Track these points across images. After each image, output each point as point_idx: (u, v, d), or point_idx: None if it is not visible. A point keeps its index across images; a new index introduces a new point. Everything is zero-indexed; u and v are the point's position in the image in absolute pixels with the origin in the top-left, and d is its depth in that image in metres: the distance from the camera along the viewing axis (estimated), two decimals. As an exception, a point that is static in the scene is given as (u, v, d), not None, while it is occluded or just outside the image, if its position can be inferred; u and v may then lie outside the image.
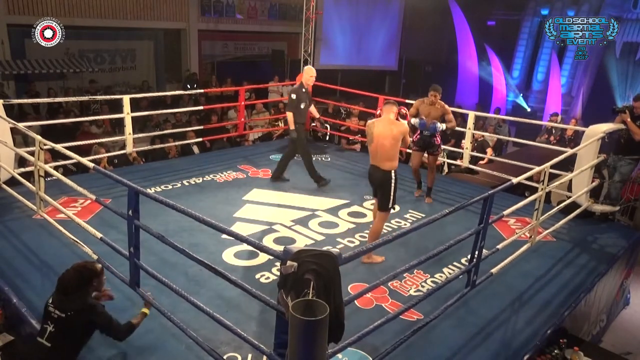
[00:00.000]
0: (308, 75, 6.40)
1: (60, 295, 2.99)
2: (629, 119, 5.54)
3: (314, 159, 7.12)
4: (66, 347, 2.97)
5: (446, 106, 6.07)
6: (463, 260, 4.62)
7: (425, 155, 6.28)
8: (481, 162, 8.37)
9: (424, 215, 5.73)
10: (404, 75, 17.51)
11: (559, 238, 5.41)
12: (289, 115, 6.32)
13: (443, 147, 8.88)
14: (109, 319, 3.08)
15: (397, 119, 4.64)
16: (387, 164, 4.55)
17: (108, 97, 9.59)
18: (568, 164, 6.16)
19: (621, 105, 6.19)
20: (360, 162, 7.73)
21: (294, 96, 6.32)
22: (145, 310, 3.32)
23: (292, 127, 6.35)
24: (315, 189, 6.43)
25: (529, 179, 4.96)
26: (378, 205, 4.69)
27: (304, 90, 6.37)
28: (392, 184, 4.56)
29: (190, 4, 13.53)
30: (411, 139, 5.75)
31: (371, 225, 4.89)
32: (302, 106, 6.33)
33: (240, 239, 2.86)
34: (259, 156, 7.73)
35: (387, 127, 4.52)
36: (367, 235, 5.16)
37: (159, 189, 6.07)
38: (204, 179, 6.59)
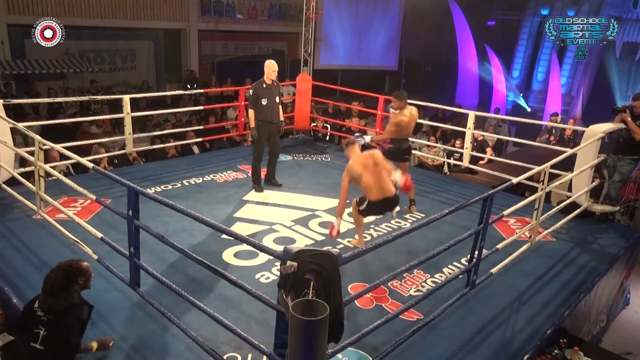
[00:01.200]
0: (269, 69, 6.05)
1: (47, 296, 2.96)
2: (629, 119, 5.54)
3: (313, 159, 7.10)
4: (63, 347, 2.96)
5: (394, 116, 5.68)
6: (463, 260, 4.62)
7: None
8: (481, 162, 8.37)
9: (424, 215, 5.73)
10: (404, 75, 17.52)
11: (559, 238, 5.41)
12: (250, 113, 6.10)
13: (443, 147, 8.94)
14: (76, 322, 2.98)
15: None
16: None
17: (108, 97, 9.60)
18: (568, 164, 6.16)
19: (621, 105, 6.17)
20: (360, 162, 7.73)
21: (250, 92, 6.09)
22: (94, 345, 3.16)
23: (252, 124, 6.10)
24: (315, 189, 6.42)
25: (529, 179, 4.96)
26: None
27: (264, 85, 6.05)
28: None
29: (190, 4, 13.53)
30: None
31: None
32: (264, 102, 6.02)
33: (240, 239, 2.86)
34: (259, 156, 7.71)
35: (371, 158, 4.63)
36: (367, 236, 5.16)
37: (159, 189, 6.07)
38: (204, 179, 6.59)
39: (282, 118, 6.37)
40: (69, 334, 2.94)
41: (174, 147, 8.08)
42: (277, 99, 6.15)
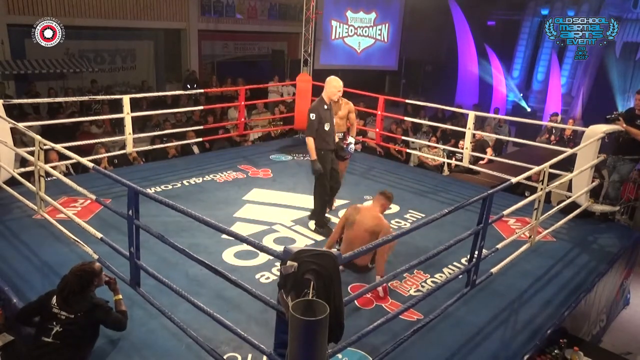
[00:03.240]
0: (332, 87, 4.97)
1: (66, 299, 3.02)
2: (624, 126, 5.56)
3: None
4: (79, 344, 3.03)
5: (351, 104, 5.67)
6: (463, 260, 4.62)
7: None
8: (481, 162, 8.37)
9: (424, 215, 5.73)
10: (404, 75, 17.51)
11: (559, 238, 5.41)
12: (309, 142, 4.90)
13: (443, 147, 8.94)
14: (108, 312, 3.16)
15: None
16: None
17: (108, 97, 9.60)
18: (567, 164, 6.16)
19: (621, 107, 6.15)
20: (360, 162, 7.73)
21: (313, 116, 4.85)
22: (118, 297, 3.39)
23: (313, 156, 4.90)
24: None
25: (529, 178, 4.95)
26: None
27: (325, 107, 4.94)
28: None
29: (190, 4, 13.53)
30: None
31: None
32: (327, 128, 4.94)
33: (240, 239, 2.86)
34: (259, 156, 7.73)
35: (370, 219, 4.17)
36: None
37: (159, 189, 6.07)
38: (204, 179, 6.59)
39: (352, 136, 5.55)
40: (86, 334, 3.05)
41: (174, 147, 8.08)
42: (334, 121, 5.18)
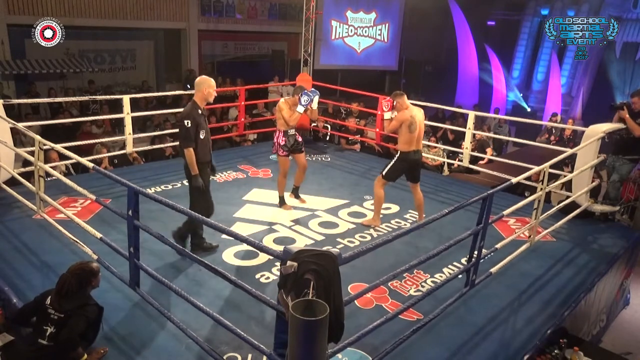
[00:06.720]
0: (208, 87, 4.42)
1: (59, 298, 3.02)
2: (627, 116, 5.51)
3: (313, 159, 6.90)
4: (62, 344, 3.00)
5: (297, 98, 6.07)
6: (463, 260, 4.62)
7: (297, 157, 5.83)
8: (481, 162, 8.37)
9: (424, 215, 5.73)
10: (404, 75, 17.51)
11: (558, 238, 5.40)
12: (189, 154, 4.22)
13: (443, 147, 8.94)
14: (83, 323, 3.02)
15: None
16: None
17: (108, 97, 9.61)
18: (563, 165, 6.15)
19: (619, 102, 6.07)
20: (360, 162, 7.73)
21: (188, 123, 4.18)
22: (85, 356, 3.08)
23: (194, 170, 4.26)
24: (315, 189, 6.41)
25: (529, 178, 4.96)
26: (416, 181, 5.33)
27: (200, 112, 4.34)
28: None
29: (190, 4, 13.54)
30: (278, 143, 5.67)
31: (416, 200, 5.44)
32: (202, 136, 4.29)
33: (240, 239, 2.86)
34: (259, 156, 7.73)
35: (420, 113, 5.19)
36: (367, 236, 5.17)
37: (159, 189, 6.07)
38: (204, 179, 6.58)
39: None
40: (71, 332, 2.99)
41: (172, 146, 8.07)
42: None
